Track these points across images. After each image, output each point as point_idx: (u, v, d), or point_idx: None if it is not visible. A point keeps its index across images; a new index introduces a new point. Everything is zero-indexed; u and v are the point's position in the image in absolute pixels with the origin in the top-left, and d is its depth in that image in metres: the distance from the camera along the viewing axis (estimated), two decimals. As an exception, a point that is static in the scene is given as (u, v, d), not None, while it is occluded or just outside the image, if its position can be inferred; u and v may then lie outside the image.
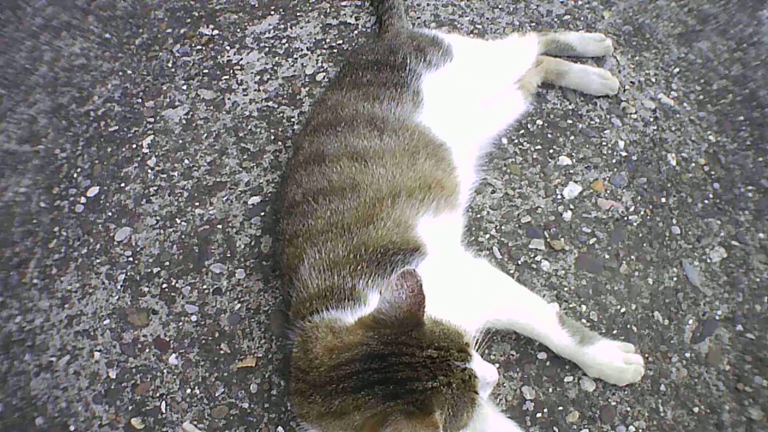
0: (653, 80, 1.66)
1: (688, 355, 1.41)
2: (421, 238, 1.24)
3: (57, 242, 1.60)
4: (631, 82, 1.65)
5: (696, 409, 1.37)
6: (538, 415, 1.32)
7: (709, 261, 1.48)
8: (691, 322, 1.43)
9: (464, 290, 1.22)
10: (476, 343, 1.15)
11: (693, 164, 1.57)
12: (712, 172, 1.57)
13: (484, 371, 1.01)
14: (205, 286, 1.47)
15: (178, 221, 1.55)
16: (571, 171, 1.51)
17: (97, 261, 1.55)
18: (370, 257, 1.16)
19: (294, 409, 1.21)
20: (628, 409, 1.35)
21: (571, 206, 1.47)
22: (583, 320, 1.37)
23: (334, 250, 1.18)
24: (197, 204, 1.56)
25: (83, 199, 1.63)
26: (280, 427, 1.33)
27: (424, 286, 0.96)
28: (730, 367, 1.41)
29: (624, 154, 1.55)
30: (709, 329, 1.43)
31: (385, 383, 0.95)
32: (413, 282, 0.94)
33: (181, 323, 1.45)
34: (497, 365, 1.35)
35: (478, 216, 1.46)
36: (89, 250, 1.57)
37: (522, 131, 1.56)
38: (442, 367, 0.95)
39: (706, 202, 1.53)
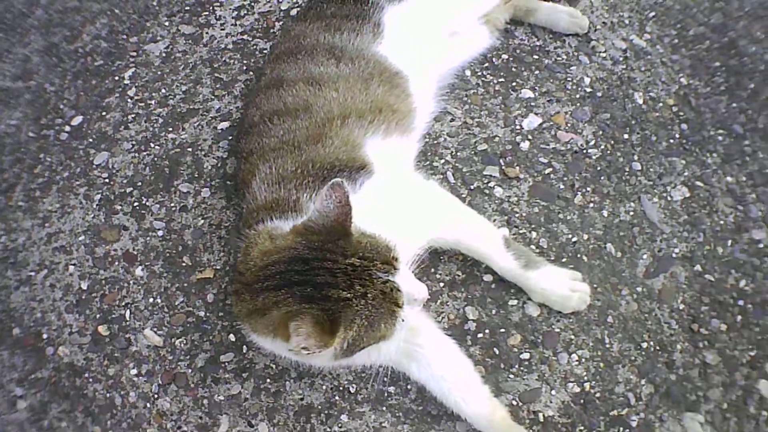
0: (626, 22, 1.73)
1: (639, 289, 1.49)
2: (368, 157, 1.35)
3: (42, 167, 1.78)
4: (603, 22, 1.72)
5: (644, 345, 1.45)
6: (480, 335, 1.43)
7: (669, 199, 1.55)
8: (645, 257, 1.50)
9: (410, 208, 1.33)
10: (419, 262, 1.28)
11: (661, 104, 1.63)
12: (681, 113, 1.64)
13: (411, 287, 1.11)
14: (172, 204, 1.63)
15: (152, 145, 1.72)
16: (533, 103, 1.60)
17: (77, 183, 1.73)
18: (316, 173, 1.29)
19: (233, 309, 1.35)
20: (572, 337, 1.44)
21: (530, 137, 1.56)
22: (533, 246, 1.46)
23: (284, 165, 1.32)
24: (171, 129, 1.72)
25: (68, 128, 1.81)
26: (231, 335, 1.48)
27: (351, 197, 1.06)
28: (684, 306, 1.48)
29: (589, 90, 1.62)
30: (665, 266, 1.50)
31: (304, 285, 1.06)
32: (341, 193, 1.05)
33: (148, 238, 1.61)
34: (442, 284, 1.46)
35: (435, 142, 1.57)
36: (70, 173, 1.74)
37: (486, 64, 1.66)
38: (362, 276, 1.06)
39: (671, 141, 1.60)
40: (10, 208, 1.78)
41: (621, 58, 1.67)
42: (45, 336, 1.61)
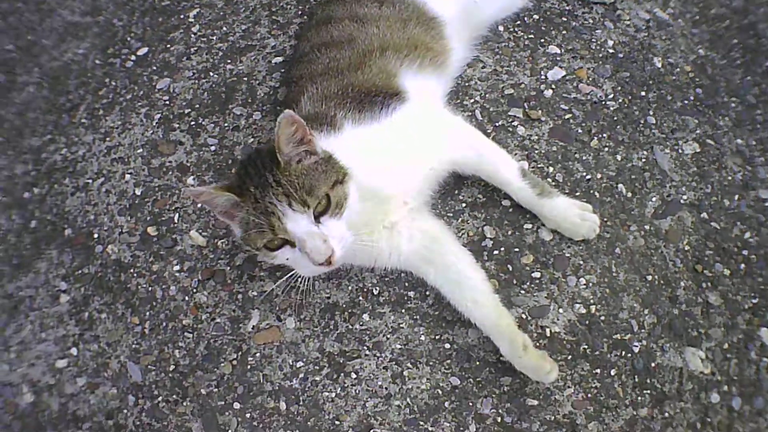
0: None
1: (647, 227, 1.68)
2: (403, 86, 1.59)
3: (106, 90, 2.07)
4: None
5: (649, 278, 1.64)
6: (495, 252, 1.63)
7: (680, 151, 1.75)
8: (654, 199, 1.70)
9: (436, 135, 1.57)
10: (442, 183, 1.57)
11: (678, 69, 1.85)
12: (697, 79, 1.85)
13: (308, 236, 1.32)
14: (226, 124, 1.89)
15: (211, 74, 1.99)
16: (558, 58, 1.83)
17: (139, 104, 2.00)
18: (354, 95, 1.54)
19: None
20: (581, 262, 1.63)
21: (553, 86, 1.79)
22: (549, 179, 1.67)
23: (328, 87, 1.58)
24: (229, 61, 2.00)
25: (133, 57, 2.10)
26: (270, 237, 1.76)
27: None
28: (689, 248, 1.66)
29: (611, 51, 1.85)
30: (672, 209, 1.70)
31: (249, 165, 1.40)
32: (289, 123, 1.32)
33: (202, 153, 1.87)
34: (464, 205, 1.67)
35: (467, 84, 1.80)
36: (133, 96, 2.02)
37: (518, 22, 1.91)
38: (264, 187, 1.33)
39: (686, 102, 1.82)
40: (73, 124, 2.05)
41: (644, 27, 1.90)
42: (96, 236, 1.85)
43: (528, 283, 1.60)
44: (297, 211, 1.31)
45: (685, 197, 1.69)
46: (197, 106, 1.94)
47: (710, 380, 1.53)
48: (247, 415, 1.56)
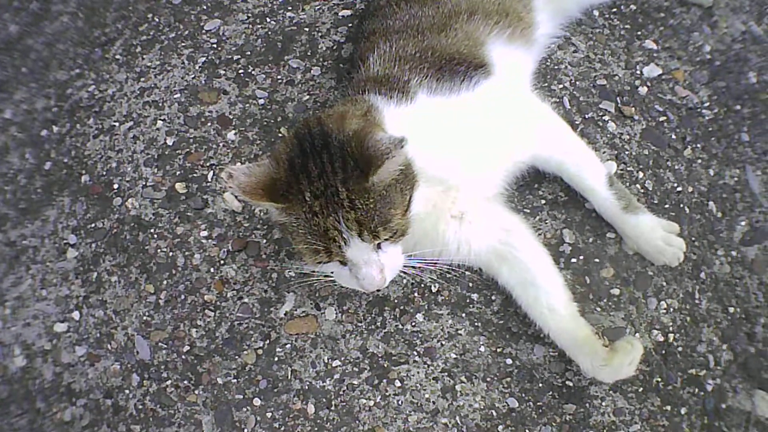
0: (747, 9, 1.51)
1: (734, 253, 1.25)
2: (489, 57, 1.16)
3: (147, 26, 1.56)
4: (726, 3, 1.53)
5: (731, 310, 1.22)
6: (573, 260, 1.20)
7: None
8: (743, 223, 1.27)
9: (520, 122, 1.13)
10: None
11: None
12: None
13: (365, 265, 0.94)
14: (279, 77, 1.41)
15: (268, 20, 1.49)
16: (655, 54, 1.39)
17: (182, 44, 1.50)
18: (433, 60, 1.11)
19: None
20: (665, 284, 1.20)
21: (648, 84, 1.35)
22: (638, 185, 1.24)
23: (404, 47, 1.14)
24: (290, 8, 1.50)
25: None
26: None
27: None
28: None
29: (708, 57, 1.41)
30: (760, 238, 1.27)
31: (307, 153, 0.94)
32: (395, 148, 0.89)
33: (248, 105, 1.39)
34: (543, 201, 1.23)
35: (556, 68, 1.35)
36: (177, 35, 1.52)
37: (614, 9, 1.44)
38: (329, 203, 0.91)
39: None
40: (106, 60, 1.54)
41: (740, 38, 1.45)
42: (116, 186, 1.37)
43: (605, 300, 1.17)
44: (365, 242, 0.89)
45: (773, 225, 1.28)
46: (248, 53, 1.44)
47: (776, 428, 1.13)
48: (268, 415, 1.12)
